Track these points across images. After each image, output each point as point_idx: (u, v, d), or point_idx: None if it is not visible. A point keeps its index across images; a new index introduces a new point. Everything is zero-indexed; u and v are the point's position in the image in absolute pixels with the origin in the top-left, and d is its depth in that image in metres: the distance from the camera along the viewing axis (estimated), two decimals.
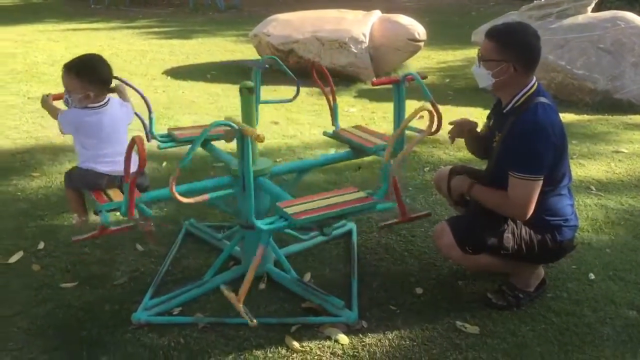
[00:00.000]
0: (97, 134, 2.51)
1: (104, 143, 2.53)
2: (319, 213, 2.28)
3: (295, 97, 3.16)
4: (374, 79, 2.67)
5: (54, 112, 2.61)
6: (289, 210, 2.28)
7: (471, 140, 2.85)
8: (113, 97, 2.65)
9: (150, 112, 2.85)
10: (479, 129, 2.81)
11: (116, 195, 2.49)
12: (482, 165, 2.80)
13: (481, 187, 2.56)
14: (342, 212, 2.32)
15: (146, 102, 2.81)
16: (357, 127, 3.17)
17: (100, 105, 2.54)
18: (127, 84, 2.75)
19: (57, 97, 2.65)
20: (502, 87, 2.47)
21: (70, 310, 2.59)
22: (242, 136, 2.23)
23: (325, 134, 3.15)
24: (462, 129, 2.76)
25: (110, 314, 2.56)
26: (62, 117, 2.54)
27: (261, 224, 2.27)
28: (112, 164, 2.52)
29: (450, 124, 2.77)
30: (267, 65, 3.07)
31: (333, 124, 3.11)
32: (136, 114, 2.75)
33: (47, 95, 2.66)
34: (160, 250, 3.07)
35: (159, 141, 2.97)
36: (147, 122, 2.88)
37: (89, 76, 2.48)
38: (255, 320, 2.23)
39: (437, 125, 2.31)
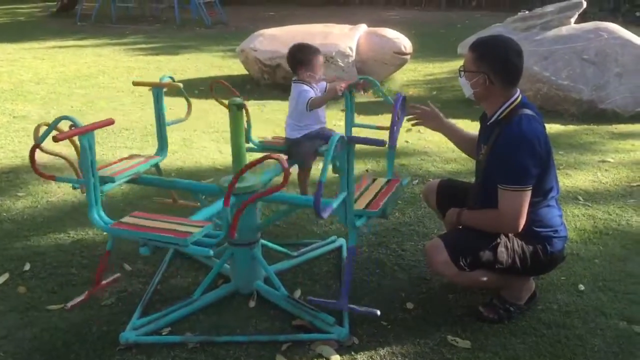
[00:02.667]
0: None
1: None
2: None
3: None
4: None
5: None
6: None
7: (452, 136, 2.87)
8: (297, 83, 3.24)
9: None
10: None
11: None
12: (471, 177, 2.81)
13: (469, 212, 2.57)
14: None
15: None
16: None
17: (292, 81, 3.29)
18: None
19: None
20: (483, 98, 2.51)
21: (57, 333, 2.54)
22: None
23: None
24: (426, 118, 2.85)
25: (98, 336, 2.52)
26: None
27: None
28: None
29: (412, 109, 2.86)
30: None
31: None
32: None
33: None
34: (148, 270, 3.04)
35: None
36: None
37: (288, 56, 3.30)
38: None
39: None
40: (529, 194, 2.37)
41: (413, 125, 2.91)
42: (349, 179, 2.33)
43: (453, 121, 2.95)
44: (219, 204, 2.53)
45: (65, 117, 2.33)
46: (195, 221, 2.40)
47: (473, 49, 2.47)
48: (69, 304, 2.64)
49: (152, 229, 2.31)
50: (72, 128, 2.31)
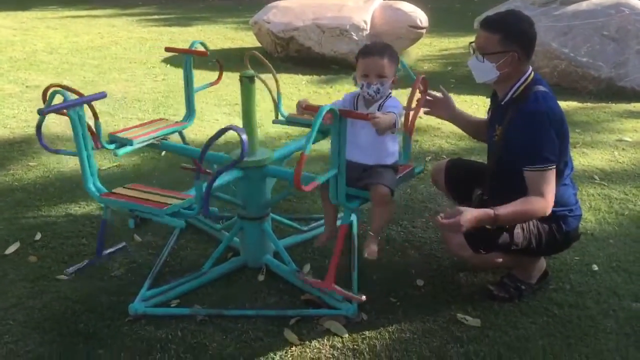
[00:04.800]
0: None
1: None
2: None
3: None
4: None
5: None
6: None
7: (461, 123, 2.84)
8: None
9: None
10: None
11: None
12: (484, 155, 2.75)
13: (505, 211, 2.27)
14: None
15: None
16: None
17: None
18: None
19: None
20: (507, 79, 2.41)
21: (66, 302, 2.56)
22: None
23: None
24: (439, 107, 2.78)
25: (107, 306, 2.53)
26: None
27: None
28: None
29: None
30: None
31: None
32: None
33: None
34: (158, 241, 3.04)
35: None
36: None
37: None
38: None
39: None
40: (554, 172, 2.31)
41: (425, 113, 2.84)
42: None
43: (470, 98, 2.89)
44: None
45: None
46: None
47: (494, 29, 2.35)
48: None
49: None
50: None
